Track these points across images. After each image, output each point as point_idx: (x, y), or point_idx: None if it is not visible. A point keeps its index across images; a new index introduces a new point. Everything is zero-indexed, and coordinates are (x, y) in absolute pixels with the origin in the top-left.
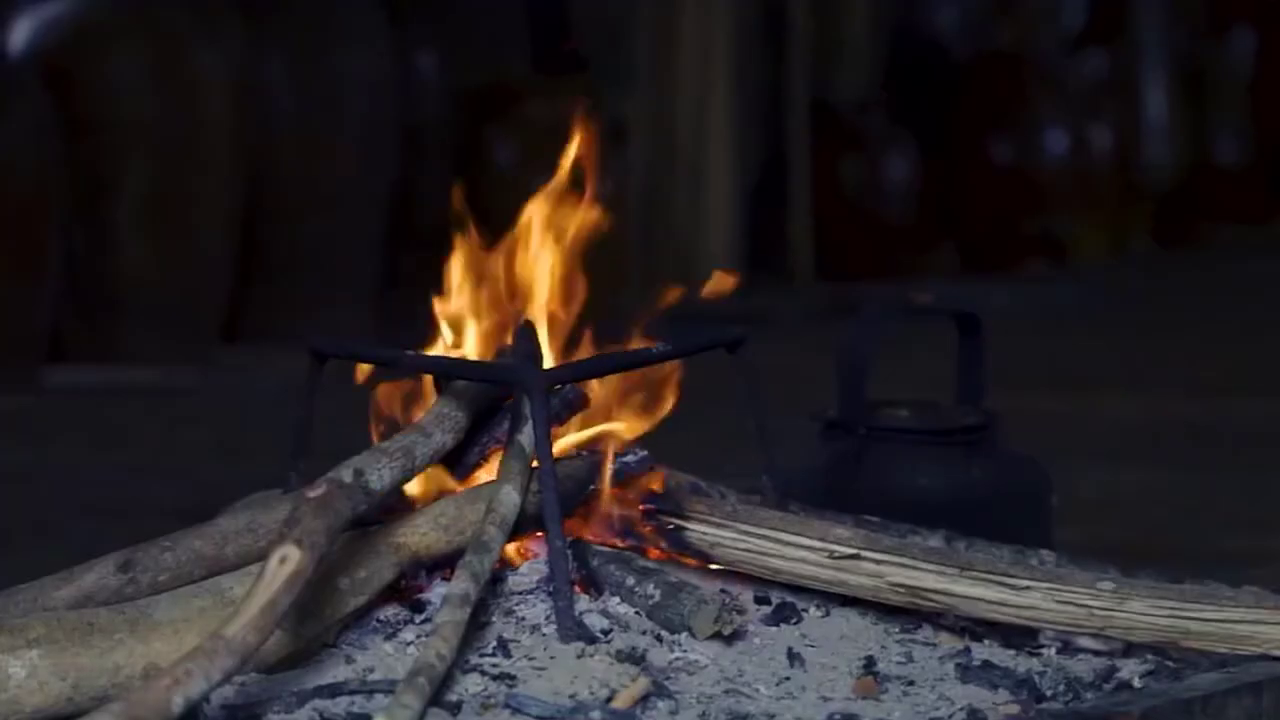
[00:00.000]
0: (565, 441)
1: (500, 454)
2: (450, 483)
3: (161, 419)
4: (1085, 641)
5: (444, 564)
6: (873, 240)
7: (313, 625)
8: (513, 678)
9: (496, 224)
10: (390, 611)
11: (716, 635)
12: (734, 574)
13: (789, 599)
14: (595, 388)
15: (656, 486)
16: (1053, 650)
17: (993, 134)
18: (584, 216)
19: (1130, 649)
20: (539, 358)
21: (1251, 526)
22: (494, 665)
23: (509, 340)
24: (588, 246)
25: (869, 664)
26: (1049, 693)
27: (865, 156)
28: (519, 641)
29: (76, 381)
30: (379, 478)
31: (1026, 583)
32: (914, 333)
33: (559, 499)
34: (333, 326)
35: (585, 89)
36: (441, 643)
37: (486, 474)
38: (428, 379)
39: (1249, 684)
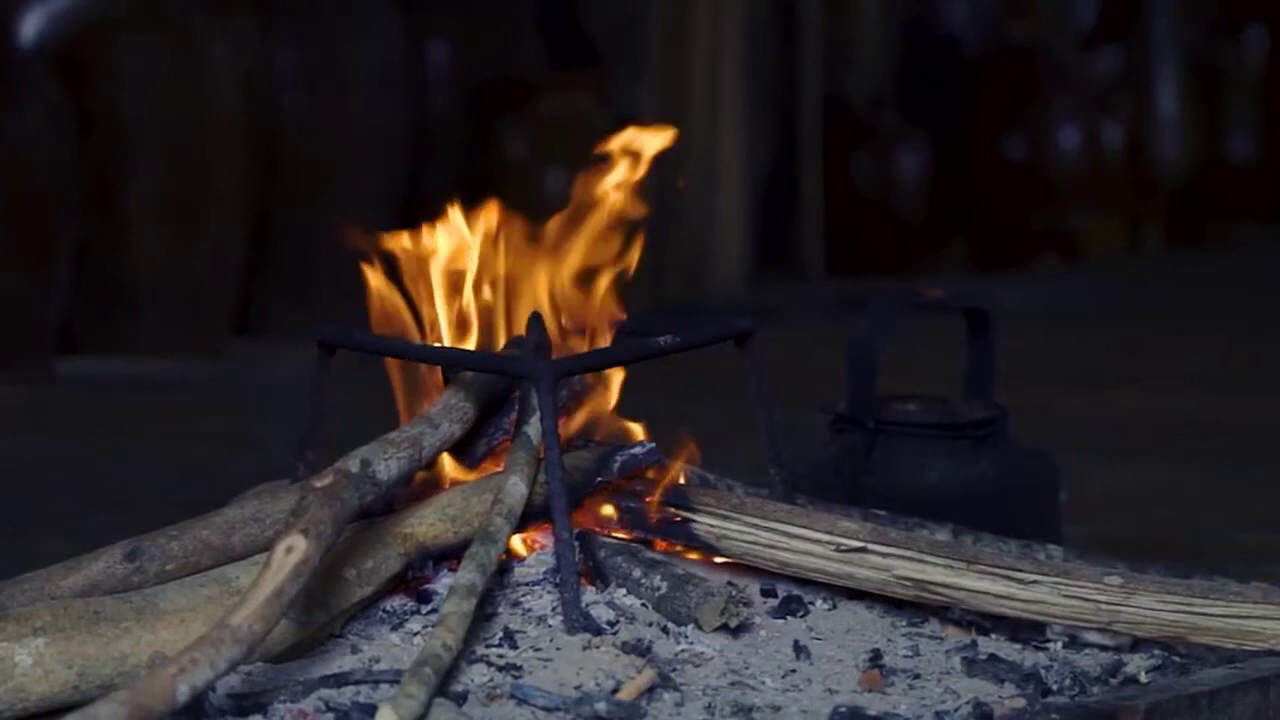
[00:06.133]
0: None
1: (508, 445)
2: (459, 473)
3: (172, 410)
4: (1092, 636)
5: (450, 555)
6: (885, 236)
7: (319, 615)
8: (518, 669)
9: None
10: (397, 602)
11: (723, 627)
12: (741, 566)
13: (796, 592)
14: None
15: (664, 479)
16: (1059, 644)
17: (1005, 130)
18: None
19: (1137, 644)
20: (548, 349)
21: (1261, 522)
22: (500, 656)
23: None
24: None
25: (875, 657)
26: (1055, 687)
27: (878, 152)
28: (525, 632)
29: (88, 373)
30: (386, 468)
31: (1034, 577)
32: (924, 327)
33: (566, 490)
34: (344, 318)
35: (597, 83)
36: (447, 633)
37: (494, 465)
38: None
39: (1256, 679)
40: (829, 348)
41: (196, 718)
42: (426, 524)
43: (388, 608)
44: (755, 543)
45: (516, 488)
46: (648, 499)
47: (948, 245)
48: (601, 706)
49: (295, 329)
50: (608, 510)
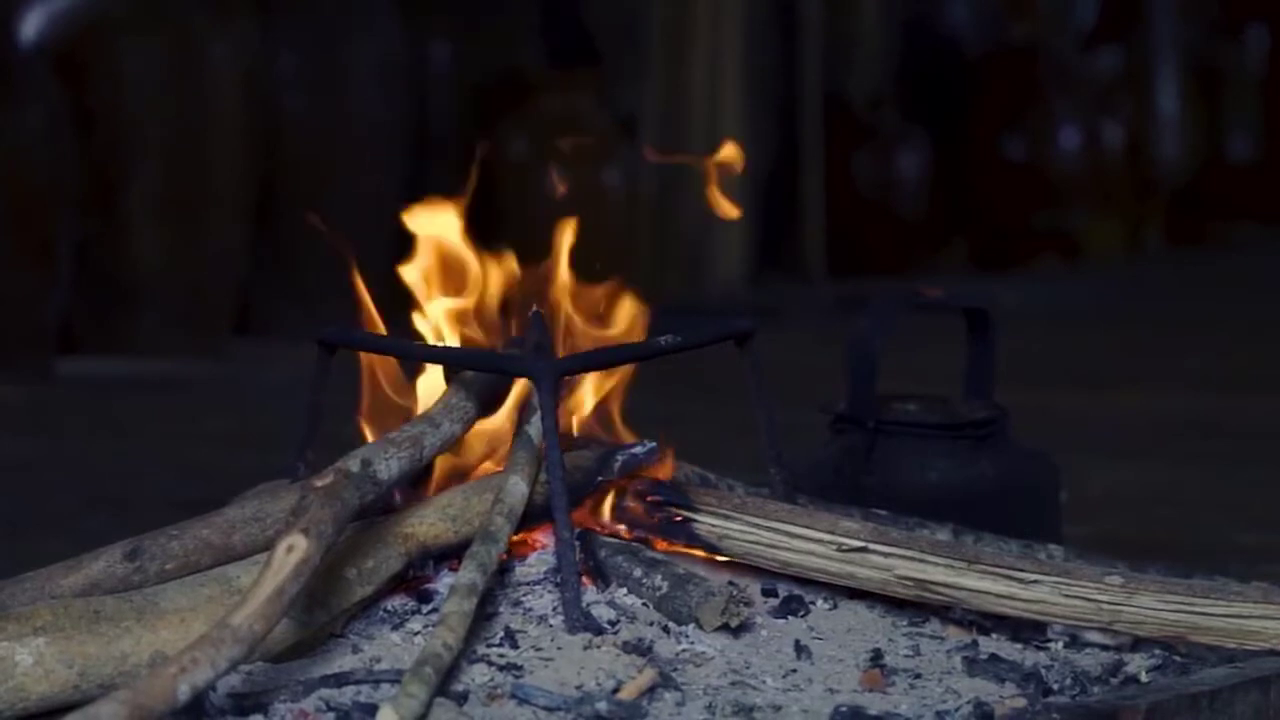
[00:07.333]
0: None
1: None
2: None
3: (172, 410)
4: (1093, 636)
5: (451, 554)
6: (885, 236)
7: (320, 614)
8: (519, 668)
9: (507, 216)
10: (397, 601)
11: (724, 627)
12: (742, 566)
13: (796, 591)
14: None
15: (665, 478)
16: (1060, 644)
17: (1006, 130)
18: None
19: (1138, 643)
20: (549, 348)
21: (1261, 522)
22: (501, 656)
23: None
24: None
25: (876, 657)
26: (1056, 686)
27: (878, 152)
28: (526, 632)
29: (88, 373)
30: (386, 468)
31: (1035, 577)
32: (924, 327)
33: (566, 489)
34: (344, 317)
35: (597, 83)
36: (448, 633)
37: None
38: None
39: (1256, 679)
40: (829, 348)
41: (197, 717)
42: (427, 523)
43: (389, 607)
44: (757, 542)
45: (517, 487)
46: (648, 499)
47: (948, 245)
48: (602, 706)
49: (295, 329)
50: (608, 510)
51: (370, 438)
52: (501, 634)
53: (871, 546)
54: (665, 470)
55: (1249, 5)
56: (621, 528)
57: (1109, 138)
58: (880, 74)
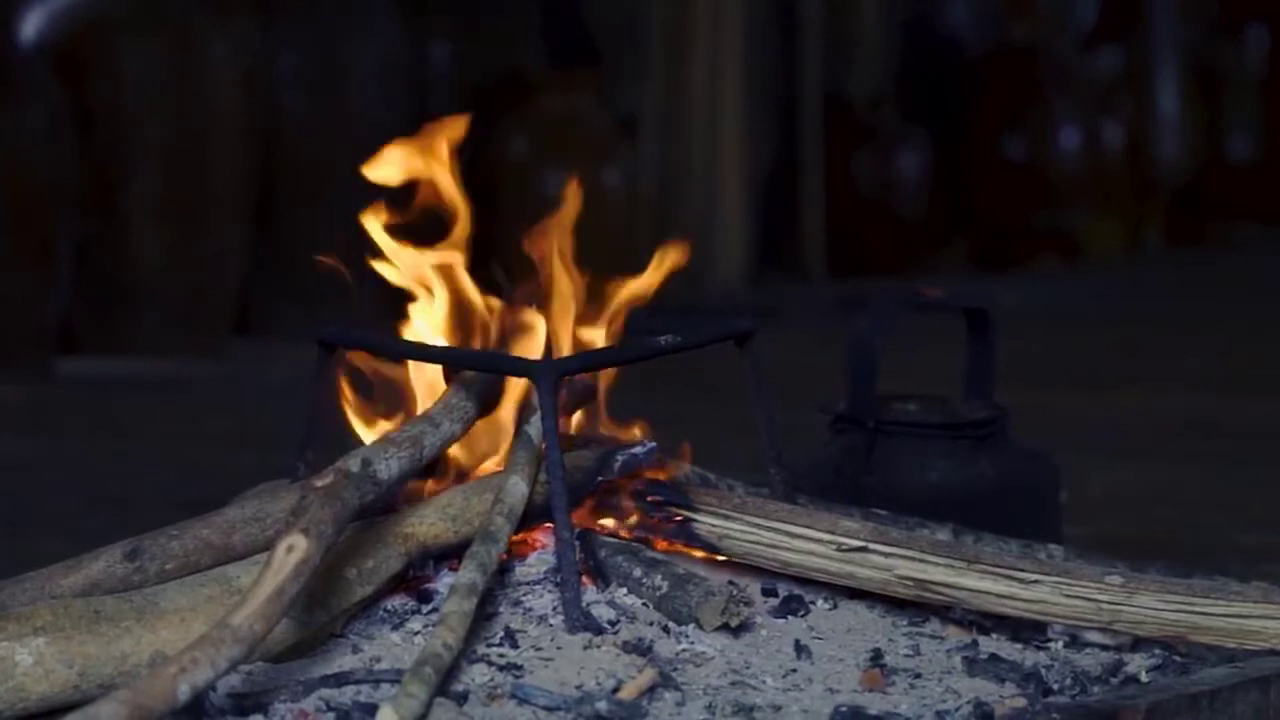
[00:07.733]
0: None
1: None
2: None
3: (172, 410)
4: (1093, 635)
5: (451, 554)
6: (885, 236)
7: (320, 614)
8: (519, 668)
9: (507, 216)
10: (397, 601)
11: (724, 627)
12: (742, 566)
13: (796, 591)
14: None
15: (665, 478)
16: (1060, 644)
17: (1006, 130)
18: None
19: (1138, 643)
20: (549, 348)
21: (1261, 522)
22: (501, 655)
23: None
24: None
25: (876, 656)
26: (1056, 686)
27: (878, 152)
28: (526, 632)
29: (88, 373)
30: (386, 468)
31: (1035, 576)
32: (924, 327)
33: (566, 489)
34: (343, 317)
35: (597, 83)
36: (448, 633)
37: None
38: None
39: (1256, 679)
40: (829, 348)
41: (197, 717)
42: (427, 523)
43: (389, 607)
44: (757, 542)
45: (517, 487)
46: (649, 498)
47: (948, 245)
48: (602, 706)
49: (295, 329)
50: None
51: (369, 438)
52: (501, 634)
53: (871, 546)
54: (678, 464)
55: (1249, 5)
56: (622, 528)
57: (1109, 138)
58: (880, 74)
